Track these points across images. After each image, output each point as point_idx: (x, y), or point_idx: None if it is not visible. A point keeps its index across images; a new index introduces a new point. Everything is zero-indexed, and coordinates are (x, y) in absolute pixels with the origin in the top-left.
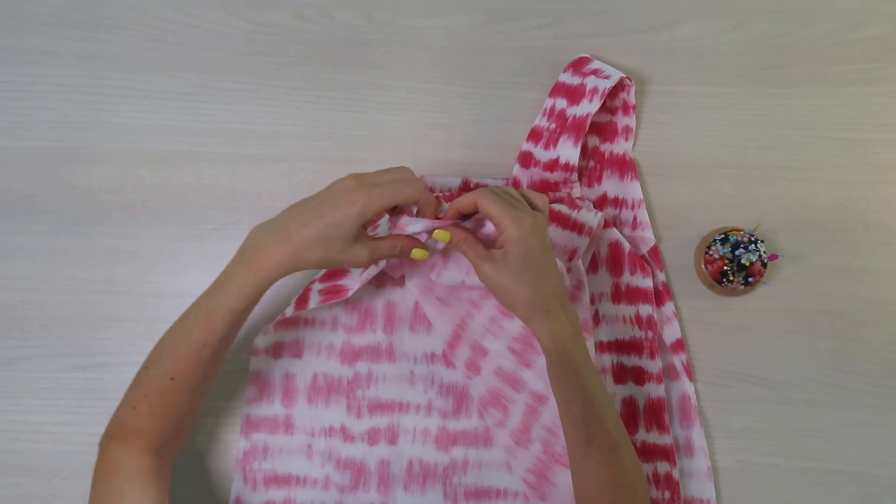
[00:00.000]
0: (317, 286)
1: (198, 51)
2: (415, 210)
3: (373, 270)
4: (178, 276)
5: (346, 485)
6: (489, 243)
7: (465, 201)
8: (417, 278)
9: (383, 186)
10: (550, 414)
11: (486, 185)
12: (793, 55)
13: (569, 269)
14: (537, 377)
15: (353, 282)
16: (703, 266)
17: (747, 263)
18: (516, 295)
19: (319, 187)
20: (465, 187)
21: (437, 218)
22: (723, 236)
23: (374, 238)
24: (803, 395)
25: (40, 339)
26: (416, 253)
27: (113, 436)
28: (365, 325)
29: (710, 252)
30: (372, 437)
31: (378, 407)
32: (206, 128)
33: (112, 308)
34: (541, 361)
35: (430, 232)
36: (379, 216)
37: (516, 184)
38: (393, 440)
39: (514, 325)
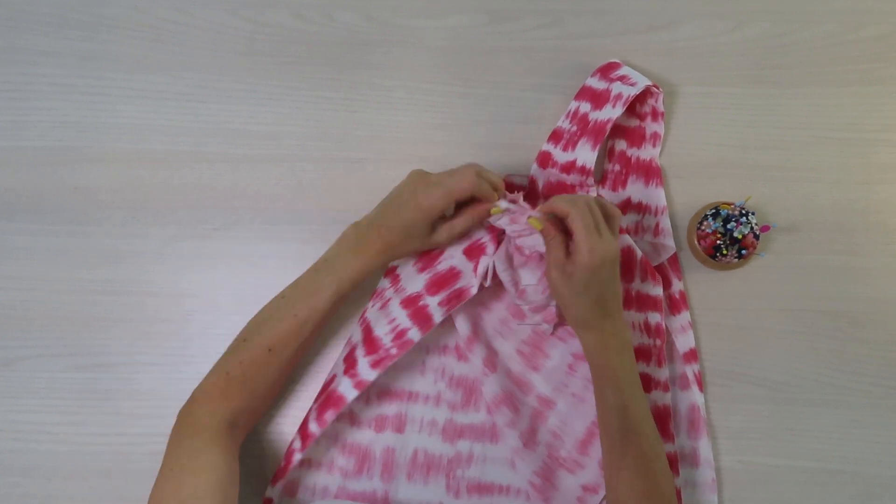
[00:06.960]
0: (431, 300)
1: (198, 51)
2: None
3: (485, 261)
4: (178, 276)
5: (349, 470)
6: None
7: (560, 208)
8: None
9: (435, 188)
10: (556, 419)
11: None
12: (793, 55)
13: None
14: (545, 381)
15: (469, 281)
16: (696, 242)
17: (739, 236)
18: (569, 308)
19: (319, 187)
20: (532, 185)
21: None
22: (713, 211)
23: (450, 220)
24: (803, 395)
25: (40, 339)
26: (495, 210)
27: (197, 398)
28: None
29: (703, 227)
30: (379, 424)
31: (387, 394)
32: (207, 128)
33: (112, 308)
34: (549, 365)
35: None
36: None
37: (532, 182)
38: (399, 428)
39: (524, 328)
